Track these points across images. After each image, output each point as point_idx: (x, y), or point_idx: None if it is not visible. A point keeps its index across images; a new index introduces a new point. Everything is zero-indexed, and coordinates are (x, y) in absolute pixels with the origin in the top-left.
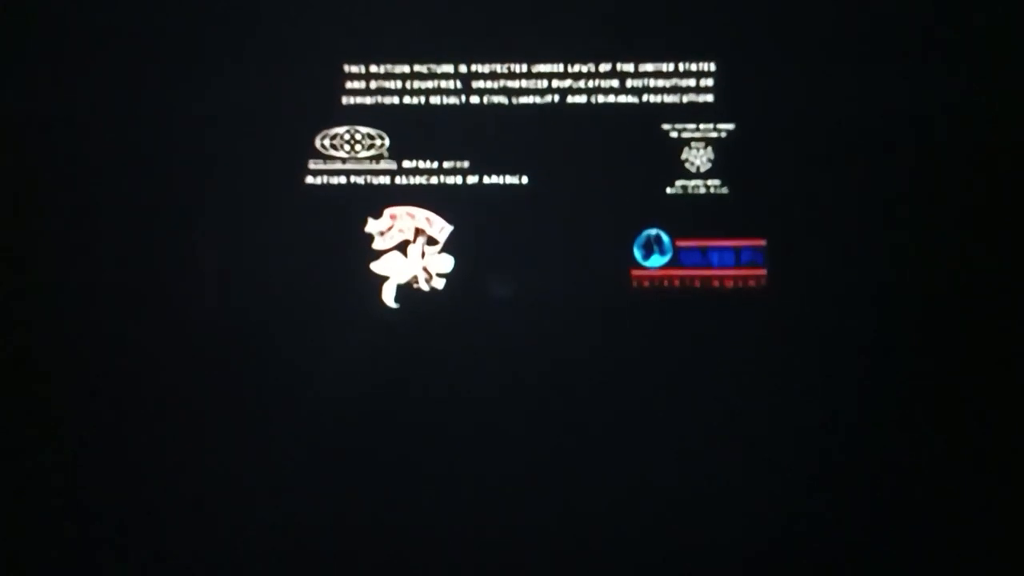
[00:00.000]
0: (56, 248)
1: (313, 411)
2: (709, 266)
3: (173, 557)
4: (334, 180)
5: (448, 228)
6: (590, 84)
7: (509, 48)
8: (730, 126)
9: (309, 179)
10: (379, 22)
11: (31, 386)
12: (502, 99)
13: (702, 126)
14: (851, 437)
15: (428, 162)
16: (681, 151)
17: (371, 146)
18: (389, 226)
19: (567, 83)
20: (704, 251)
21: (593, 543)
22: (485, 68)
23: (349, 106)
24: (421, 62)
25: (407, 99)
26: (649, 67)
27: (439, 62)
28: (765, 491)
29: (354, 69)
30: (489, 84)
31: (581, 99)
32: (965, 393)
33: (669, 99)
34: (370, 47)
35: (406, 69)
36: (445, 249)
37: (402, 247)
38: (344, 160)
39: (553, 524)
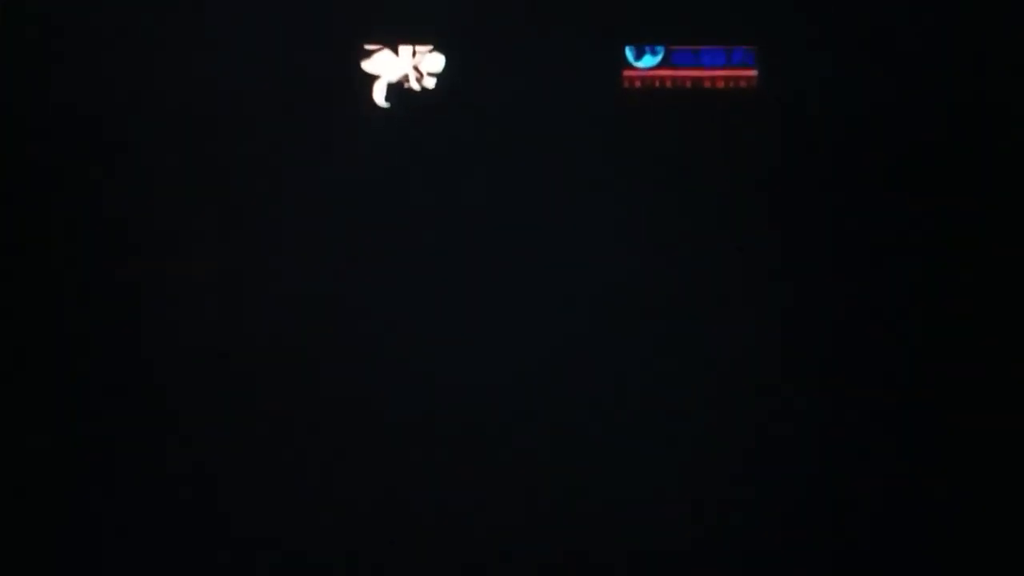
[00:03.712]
0: None
1: (300, 201)
2: (700, 66)
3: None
4: None
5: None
6: None
7: None
8: None
9: None
10: None
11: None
12: None
13: None
14: (834, 235)
15: None
16: None
17: None
18: None
19: None
20: (696, 52)
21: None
22: None
23: None
24: None
25: None
26: None
27: None
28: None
29: None
30: None
31: None
32: (946, 214)
33: None
34: None
35: None
36: (436, 48)
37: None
38: None
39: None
